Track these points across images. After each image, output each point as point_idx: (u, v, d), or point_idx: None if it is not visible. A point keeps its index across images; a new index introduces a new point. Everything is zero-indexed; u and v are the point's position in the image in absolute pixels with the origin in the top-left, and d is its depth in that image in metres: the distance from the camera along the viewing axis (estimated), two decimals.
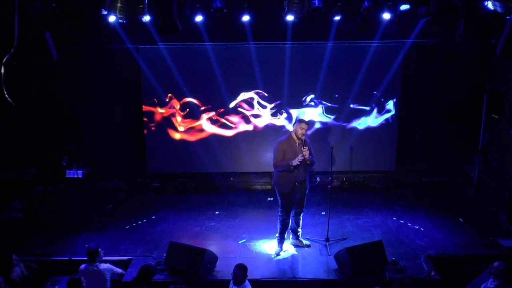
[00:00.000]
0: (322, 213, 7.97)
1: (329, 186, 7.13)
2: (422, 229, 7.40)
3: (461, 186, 9.32)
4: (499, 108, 8.31)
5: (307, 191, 6.60)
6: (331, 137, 8.97)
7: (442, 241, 6.95)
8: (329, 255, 6.48)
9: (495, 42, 7.79)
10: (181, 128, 9.08)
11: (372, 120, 9.03)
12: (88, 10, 7.63)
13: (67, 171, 7.42)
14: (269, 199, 8.75)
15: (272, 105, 8.98)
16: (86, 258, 5.62)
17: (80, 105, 9.31)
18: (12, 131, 8.69)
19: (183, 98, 8.93)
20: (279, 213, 6.57)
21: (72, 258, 6.39)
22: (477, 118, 9.00)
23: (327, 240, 6.79)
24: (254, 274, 5.90)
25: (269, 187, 9.14)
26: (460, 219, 7.73)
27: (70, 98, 9.20)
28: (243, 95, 8.94)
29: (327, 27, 8.26)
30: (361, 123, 9.04)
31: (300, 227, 6.81)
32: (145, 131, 9.03)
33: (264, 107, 8.99)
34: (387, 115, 9.00)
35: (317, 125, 9.03)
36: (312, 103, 8.97)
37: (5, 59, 4.45)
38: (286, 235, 6.69)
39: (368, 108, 8.97)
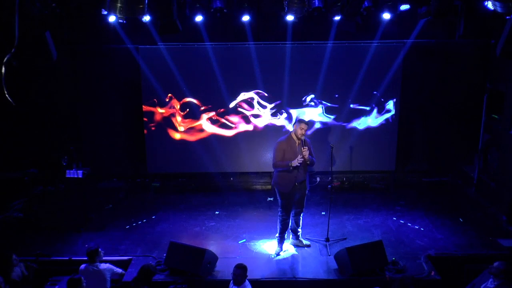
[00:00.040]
0: (322, 213, 7.97)
1: (329, 186, 7.13)
2: (422, 229, 7.40)
3: (461, 186, 9.32)
4: (499, 108, 8.31)
5: (307, 191, 6.60)
6: (331, 137, 8.97)
7: (442, 241, 6.95)
8: (329, 255, 6.48)
9: (495, 42, 7.79)
10: (181, 128, 9.08)
11: (372, 120, 9.03)
12: (88, 10, 7.63)
13: (67, 171, 7.42)
14: (269, 199, 8.75)
15: (272, 105, 8.98)
16: (86, 258, 5.62)
17: (80, 105, 9.31)
18: (12, 131, 8.70)
19: (183, 98, 8.93)
20: (279, 213, 6.57)
21: (72, 258, 6.39)
22: (477, 118, 9.00)
23: (327, 240, 6.79)
24: (254, 274, 5.90)
25: (269, 187, 9.14)
26: (460, 219, 7.73)
27: (70, 98, 9.21)
28: (243, 95, 8.94)
29: (327, 27, 8.26)
30: (361, 123, 9.04)
31: (300, 227, 6.81)
32: (145, 131, 9.03)
33: (264, 107, 9.00)
34: (387, 115, 9.00)
35: (317, 125, 9.03)
36: (312, 103, 8.97)
37: (5, 59, 4.45)
38: (286, 235, 6.69)
39: (368, 108, 8.97)
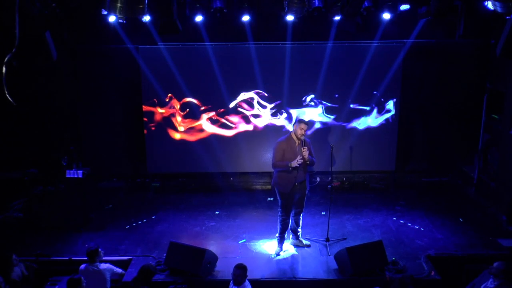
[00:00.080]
0: (322, 213, 7.97)
1: (329, 186, 7.12)
2: (422, 229, 7.40)
3: (461, 186, 9.33)
4: (499, 108, 8.32)
5: (307, 191, 6.60)
6: (331, 137, 8.97)
7: (442, 241, 6.95)
8: (329, 255, 6.48)
9: (495, 42, 7.79)
10: (181, 128, 9.08)
11: (372, 120, 9.03)
12: (88, 10, 7.65)
13: (67, 171, 7.41)
14: (269, 199, 8.75)
15: (272, 105, 8.98)
16: (86, 258, 5.62)
17: (80, 105, 9.31)
18: (12, 131, 8.69)
19: (183, 98, 8.93)
20: (279, 213, 6.57)
21: (72, 258, 6.39)
22: (477, 118, 9.00)
23: (327, 240, 6.80)
24: (254, 274, 5.91)
25: (269, 187, 9.14)
26: (460, 219, 7.73)
27: (70, 98, 9.20)
28: (243, 95, 8.94)
29: (327, 27, 8.26)
30: (361, 123, 9.04)
31: (300, 227, 6.81)
32: (145, 131, 9.03)
33: (264, 107, 8.99)
34: (387, 115, 9.00)
35: (317, 125, 9.03)
36: (312, 103, 8.97)
37: (6, 59, 4.45)
38: (286, 235, 6.69)
39: (368, 108, 8.97)
